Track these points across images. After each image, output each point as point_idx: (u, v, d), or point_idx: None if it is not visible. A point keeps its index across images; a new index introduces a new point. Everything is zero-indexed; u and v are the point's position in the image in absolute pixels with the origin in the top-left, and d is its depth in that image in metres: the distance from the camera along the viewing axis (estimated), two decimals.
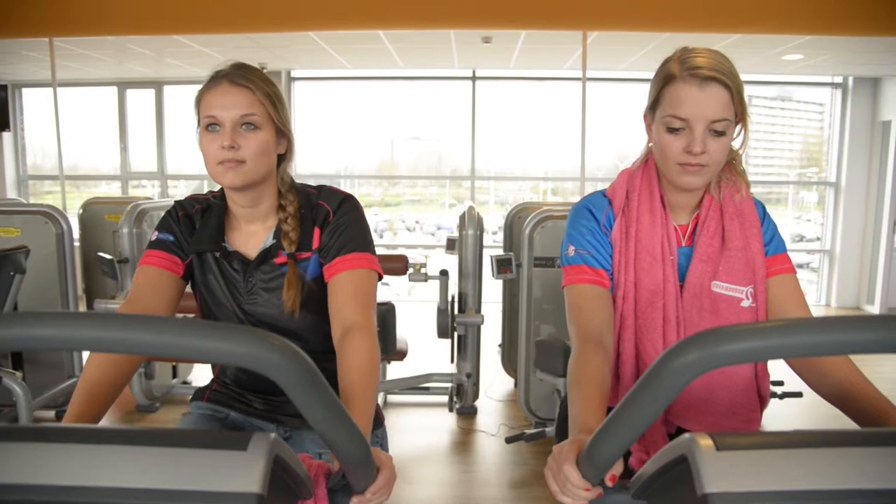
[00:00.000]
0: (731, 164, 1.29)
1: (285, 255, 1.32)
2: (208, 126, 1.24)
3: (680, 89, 1.17)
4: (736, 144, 1.25)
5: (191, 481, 0.55)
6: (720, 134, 1.17)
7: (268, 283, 1.33)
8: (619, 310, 1.28)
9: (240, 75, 1.25)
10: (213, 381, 1.48)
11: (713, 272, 1.25)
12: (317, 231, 1.33)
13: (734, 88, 1.16)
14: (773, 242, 1.30)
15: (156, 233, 1.34)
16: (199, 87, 1.29)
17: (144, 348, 0.51)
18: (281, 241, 1.32)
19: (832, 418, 1.00)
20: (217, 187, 1.36)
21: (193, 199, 1.40)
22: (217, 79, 1.25)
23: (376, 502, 0.85)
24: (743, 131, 1.22)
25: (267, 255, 1.33)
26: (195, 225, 1.36)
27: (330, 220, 1.33)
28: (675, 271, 1.26)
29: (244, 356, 0.52)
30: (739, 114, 1.18)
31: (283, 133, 1.31)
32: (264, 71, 1.33)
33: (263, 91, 1.26)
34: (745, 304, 1.25)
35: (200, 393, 1.46)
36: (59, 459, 0.56)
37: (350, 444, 0.66)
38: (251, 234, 1.36)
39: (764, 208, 1.33)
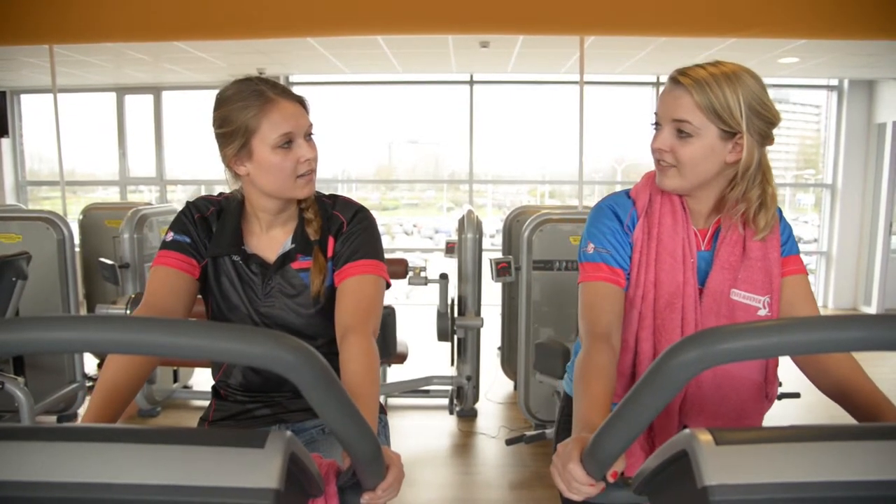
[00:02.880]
0: (765, 186, 1.26)
1: (304, 259, 1.36)
2: (283, 143, 1.26)
3: (663, 90, 1.26)
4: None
5: (210, 477, 0.57)
6: (686, 136, 1.20)
7: (286, 287, 1.36)
8: (638, 309, 1.29)
9: (285, 90, 1.29)
10: (210, 402, 1.49)
11: (733, 280, 1.27)
12: (331, 240, 1.37)
13: (702, 97, 1.17)
14: (787, 244, 1.32)
15: (171, 233, 1.34)
16: (215, 98, 1.31)
17: (166, 350, 0.53)
18: (301, 238, 1.36)
19: (829, 419, 1.02)
20: (206, 190, 1.37)
21: (206, 200, 1.41)
22: (269, 98, 1.26)
23: (386, 499, 0.88)
24: (745, 147, 1.20)
25: (286, 259, 1.36)
26: (211, 227, 1.37)
27: (344, 230, 1.37)
28: (694, 274, 1.28)
29: (262, 357, 0.54)
30: (728, 126, 1.18)
31: None
32: (262, 76, 1.35)
33: (304, 100, 1.33)
34: (762, 312, 1.27)
35: (203, 418, 1.49)
36: (81, 457, 0.57)
37: (362, 442, 0.68)
38: (271, 239, 1.38)
39: (780, 211, 1.34)
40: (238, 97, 1.27)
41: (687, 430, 0.64)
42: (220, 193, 1.44)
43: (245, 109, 1.25)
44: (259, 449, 0.59)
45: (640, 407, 0.64)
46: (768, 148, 1.26)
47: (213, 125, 1.31)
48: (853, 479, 0.57)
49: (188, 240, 1.34)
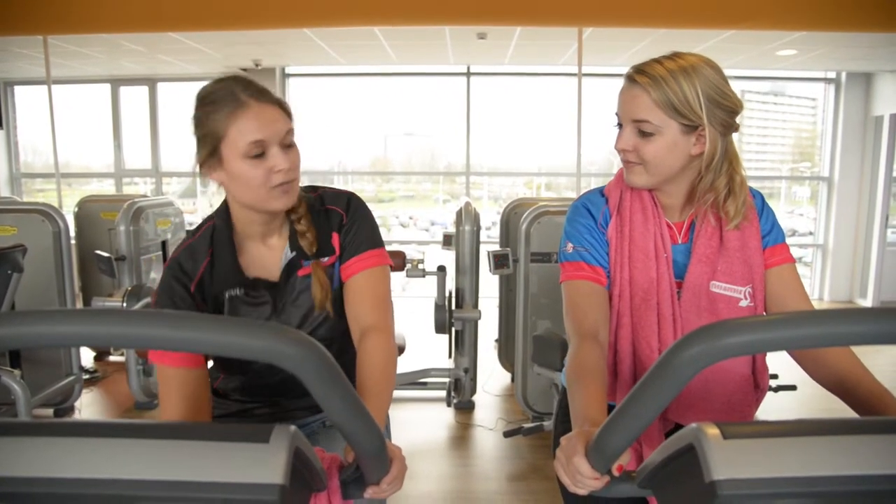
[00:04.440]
0: (732, 174, 1.25)
1: (307, 263, 1.27)
2: (254, 152, 1.13)
3: (621, 88, 1.24)
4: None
5: (216, 472, 0.56)
6: (647, 135, 1.20)
7: (296, 298, 1.28)
8: (616, 307, 1.29)
9: (261, 91, 1.16)
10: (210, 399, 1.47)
11: (711, 272, 1.26)
12: (335, 236, 1.30)
13: (659, 94, 1.17)
14: (772, 233, 1.30)
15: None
16: (196, 86, 1.21)
17: (171, 344, 0.53)
18: (299, 245, 1.27)
19: (826, 412, 1.02)
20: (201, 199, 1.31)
21: (192, 254, 1.27)
22: (240, 101, 1.13)
23: (390, 493, 0.87)
24: (708, 139, 1.20)
25: (290, 270, 1.28)
26: (191, 276, 1.25)
27: (344, 222, 1.30)
28: (669, 269, 1.27)
29: (265, 351, 0.54)
30: (688, 121, 1.18)
31: None
32: (258, 68, 1.29)
33: (284, 104, 1.20)
34: (744, 303, 1.26)
35: None
36: (87, 452, 0.57)
37: (367, 437, 0.68)
38: (270, 249, 1.30)
39: (762, 199, 1.33)
40: (210, 98, 1.15)
41: (694, 425, 0.64)
42: (204, 222, 1.31)
43: (214, 112, 1.14)
44: (264, 444, 0.59)
45: (646, 401, 0.63)
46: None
47: (192, 126, 1.21)
48: (861, 473, 0.57)
49: None
